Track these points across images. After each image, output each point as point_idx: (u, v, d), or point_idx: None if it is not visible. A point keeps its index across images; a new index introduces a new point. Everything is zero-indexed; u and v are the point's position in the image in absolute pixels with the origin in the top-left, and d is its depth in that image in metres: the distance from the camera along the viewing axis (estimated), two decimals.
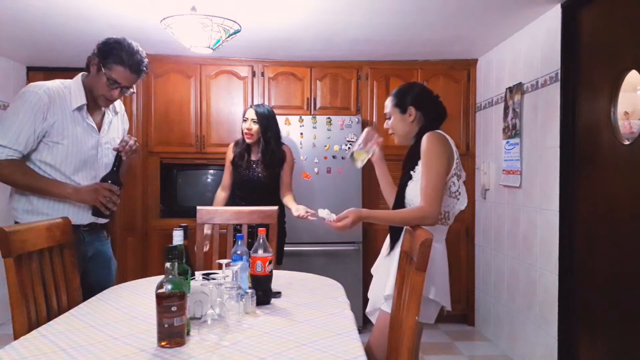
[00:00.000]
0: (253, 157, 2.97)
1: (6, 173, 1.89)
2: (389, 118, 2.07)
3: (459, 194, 1.93)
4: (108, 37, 1.99)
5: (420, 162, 1.91)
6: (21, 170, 1.91)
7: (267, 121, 2.90)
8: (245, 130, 2.91)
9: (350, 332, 1.43)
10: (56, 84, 1.98)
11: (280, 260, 3.01)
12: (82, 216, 2.02)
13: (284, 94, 4.07)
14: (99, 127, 2.08)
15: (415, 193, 1.91)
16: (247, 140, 2.92)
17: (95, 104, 2.04)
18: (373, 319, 2.06)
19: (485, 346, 3.64)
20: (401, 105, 2.02)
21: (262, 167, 2.92)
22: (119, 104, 2.22)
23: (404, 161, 2.02)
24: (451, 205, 1.92)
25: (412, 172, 1.95)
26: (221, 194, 3.08)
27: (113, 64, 1.94)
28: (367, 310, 2.08)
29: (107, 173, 2.04)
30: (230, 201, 3.04)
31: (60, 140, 1.94)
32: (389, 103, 2.07)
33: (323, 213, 1.90)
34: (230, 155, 3.04)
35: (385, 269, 1.97)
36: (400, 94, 2.05)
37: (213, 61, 3.98)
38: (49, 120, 1.91)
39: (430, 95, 2.06)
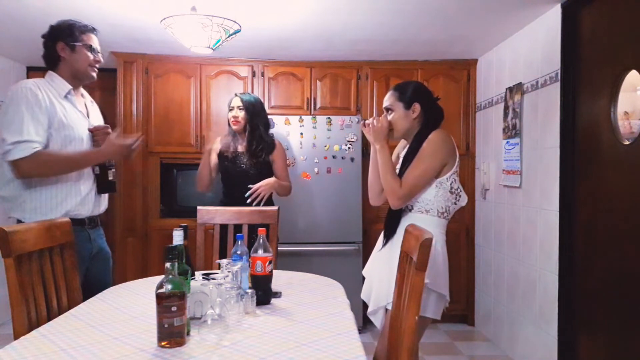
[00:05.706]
0: (240, 149, 2.85)
1: (46, 162, 1.90)
2: (389, 112, 2.04)
3: (460, 190, 1.96)
4: (50, 27, 2.09)
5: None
6: (55, 155, 1.94)
7: (253, 107, 2.82)
8: (231, 119, 2.82)
9: (350, 332, 1.43)
10: (37, 79, 2.04)
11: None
12: (86, 207, 2.05)
13: (284, 94, 4.06)
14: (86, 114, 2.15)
15: (421, 192, 1.93)
16: (233, 127, 2.82)
17: (76, 91, 2.11)
18: (376, 320, 2.00)
19: (485, 346, 3.64)
20: (405, 99, 2.00)
21: (248, 156, 2.80)
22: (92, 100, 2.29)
23: (403, 160, 2.01)
24: (451, 201, 1.94)
25: None
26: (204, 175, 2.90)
27: (81, 34, 2.07)
28: (369, 310, 2.02)
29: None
30: (217, 200, 2.93)
31: (62, 128, 1.97)
32: (391, 97, 2.04)
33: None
34: (217, 146, 2.90)
35: (387, 265, 1.95)
36: (403, 89, 2.03)
37: (213, 61, 3.97)
38: (48, 110, 1.93)
39: (430, 95, 2.07)
